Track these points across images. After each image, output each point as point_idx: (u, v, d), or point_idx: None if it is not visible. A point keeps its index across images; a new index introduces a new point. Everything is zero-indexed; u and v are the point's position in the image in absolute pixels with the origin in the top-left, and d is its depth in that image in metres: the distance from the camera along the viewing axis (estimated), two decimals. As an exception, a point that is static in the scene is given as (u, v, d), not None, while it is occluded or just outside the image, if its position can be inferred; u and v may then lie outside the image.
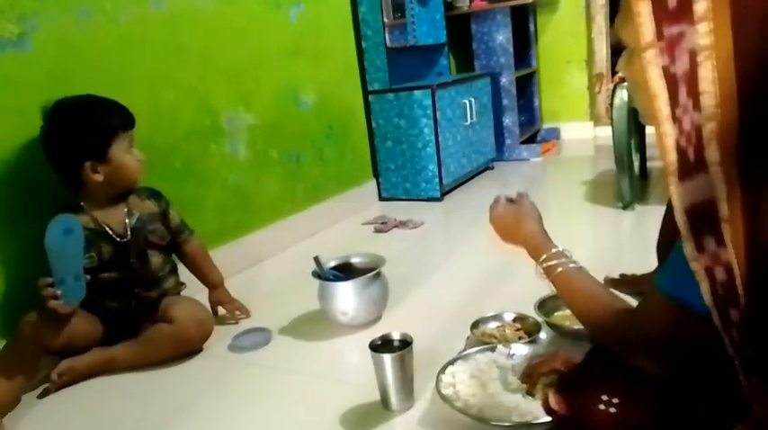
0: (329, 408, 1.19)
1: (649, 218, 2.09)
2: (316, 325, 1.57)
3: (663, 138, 0.59)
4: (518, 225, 1.12)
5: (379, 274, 1.54)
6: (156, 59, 1.81)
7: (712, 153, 0.55)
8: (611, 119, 2.30)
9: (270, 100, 2.25)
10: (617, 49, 3.74)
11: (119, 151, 1.44)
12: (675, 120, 0.57)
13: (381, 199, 2.88)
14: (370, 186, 2.85)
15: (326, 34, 2.54)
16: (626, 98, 2.23)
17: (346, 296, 1.50)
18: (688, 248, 0.59)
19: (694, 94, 0.55)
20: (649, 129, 2.78)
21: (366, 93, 2.77)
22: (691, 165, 0.57)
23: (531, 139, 3.65)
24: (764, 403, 0.59)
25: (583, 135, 3.80)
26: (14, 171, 1.47)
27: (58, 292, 1.31)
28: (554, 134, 3.82)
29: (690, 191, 0.57)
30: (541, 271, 1.02)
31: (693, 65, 0.55)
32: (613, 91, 2.31)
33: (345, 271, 1.59)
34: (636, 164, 2.46)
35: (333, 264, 1.60)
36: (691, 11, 0.55)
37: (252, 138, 2.17)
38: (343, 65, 2.66)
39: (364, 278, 1.50)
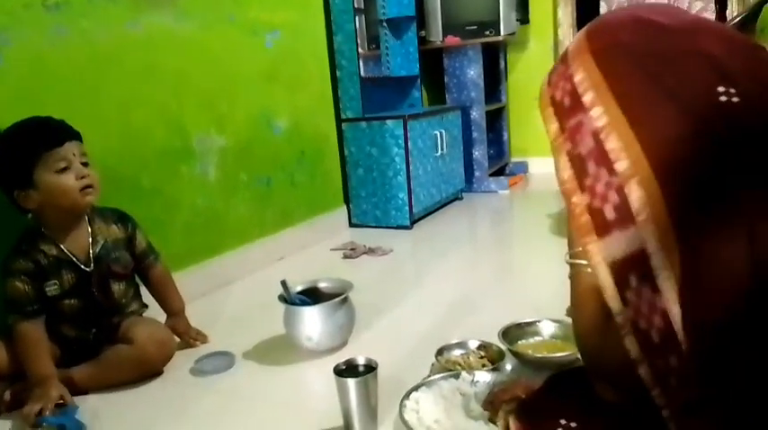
0: (291, 434, 1.18)
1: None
2: (280, 349, 1.56)
3: (573, 208, 0.64)
4: None
5: (345, 300, 1.54)
6: (129, 79, 1.82)
7: (640, 205, 0.57)
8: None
9: (242, 123, 2.26)
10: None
11: (44, 174, 1.32)
12: (584, 189, 0.63)
13: (351, 225, 2.89)
14: (341, 212, 2.87)
15: (302, 62, 2.58)
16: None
17: (312, 321, 1.50)
18: (613, 301, 0.61)
19: (606, 163, 0.60)
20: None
21: (339, 120, 2.80)
22: (610, 222, 0.60)
23: (499, 172, 3.73)
24: None
25: (550, 169, 3.86)
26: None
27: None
28: (522, 168, 3.91)
29: (611, 246, 0.60)
30: (568, 260, 1.03)
31: (598, 142, 0.61)
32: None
33: (312, 296, 1.59)
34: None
35: (300, 288, 1.60)
36: (581, 103, 0.64)
37: (222, 160, 2.17)
38: (318, 92, 2.70)
39: (331, 303, 1.50)
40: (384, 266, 2.28)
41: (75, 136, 1.40)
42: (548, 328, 1.48)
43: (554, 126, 0.68)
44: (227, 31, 2.18)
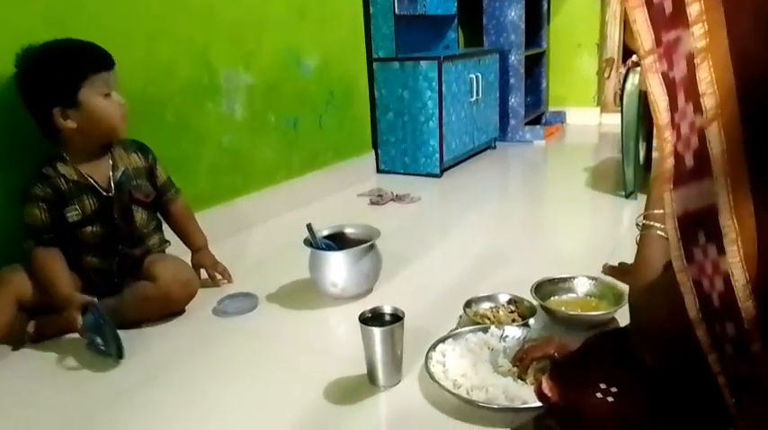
0: (313, 379, 1.15)
1: (651, 208, 2.04)
2: (304, 294, 1.53)
3: (662, 144, 0.56)
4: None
5: (372, 247, 1.49)
6: (155, 10, 1.73)
7: (718, 153, 0.51)
8: (621, 105, 2.24)
9: (270, 60, 2.17)
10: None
11: (90, 95, 1.32)
12: (674, 126, 0.55)
13: (379, 171, 2.82)
14: (369, 158, 2.79)
15: (334, -3, 2.46)
16: (637, 84, 2.17)
17: (338, 266, 1.45)
18: (675, 259, 0.56)
19: (694, 97, 0.52)
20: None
21: (370, 60, 2.69)
22: (688, 172, 0.54)
23: (535, 121, 3.59)
24: (757, 422, 0.55)
25: (588, 121, 3.74)
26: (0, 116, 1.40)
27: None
28: (559, 118, 3.76)
29: (685, 198, 0.54)
30: (639, 221, 0.98)
31: (691, 68, 0.53)
32: (625, 76, 2.25)
33: (338, 241, 1.54)
34: (642, 153, 2.40)
35: (326, 233, 1.55)
36: (685, 15, 0.53)
37: (249, 98, 2.10)
38: (349, 30, 2.58)
39: (357, 249, 1.45)
40: (411, 215, 2.22)
41: (114, 63, 1.39)
42: (582, 285, 1.41)
43: (647, 37, 0.57)
44: (257, -40, 2.07)
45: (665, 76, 0.56)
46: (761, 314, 0.52)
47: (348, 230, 1.58)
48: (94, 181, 1.39)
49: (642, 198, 2.17)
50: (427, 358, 1.13)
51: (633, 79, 2.18)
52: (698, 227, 0.54)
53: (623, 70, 2.37)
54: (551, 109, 3.78)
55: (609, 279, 1.44)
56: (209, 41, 1.92)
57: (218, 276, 1.62)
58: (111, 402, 1.14)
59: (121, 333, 1.37)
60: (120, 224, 1.43)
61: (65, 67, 1.31)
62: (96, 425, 1.08)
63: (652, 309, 0.72)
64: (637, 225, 0.96)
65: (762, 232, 0.50)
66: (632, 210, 2.13)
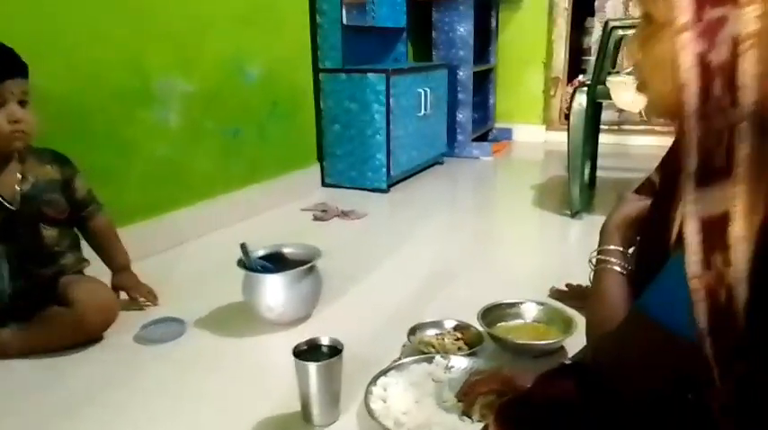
0: (243, 414, 1.05)
1: (597, 227, 2.03)
2: (238, 319, 1.42)
3: (686, 135, 0.49)
4: (614, 207, 0.99)
5: (312, 268, 1.40)
6: (87, 10, 1.60)
7: (742, 158, 0.46)
8: (568, 123, 2.23)
9: (211, 68, 2.06)
10: (576, 52, 3.72)
11: None
12: (704, 116, 0.48)
13: (324, 185, 2.73)
14: (314, 171, 2.70)
15: (280, 5, 2.36)
16: (584, 103, 2.17)
17: (274, 290, 1.35)
18: (693, 264, 0.50)
19: (732, 88, 0.46)
20: (603, 138, 2.75)
21: (317, 71, 2.60)
22: (714, 170, 0.48)
23: (482, 137, 3.58)
24: None
25: (534, 138, 3.76)
26: None
27: None
28: (506, 134, 3.77)
29: (709, 200, 0.49)
30: (593, 258, 0.92)
31: (734, 55, 0.46)
32: (572, 95, 2.25)
33: (276, 262, 1.44)
34: (587, 172, 2.41)
35: (262, 253, 1.45)
36: None
37: (187, 107, 1.97)
38: (295, 39, 2.49)
39: (295, 272, 1.36)
40: (357, 231, 2.14)
41: (20, 70, 1.23)
42: (530, 311, 1.36)
43: (687, 8, 0.49)
44: (198, -38, 1.96)
45: (700, 58, 0.48)
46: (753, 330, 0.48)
47: (287, 250, 1.48)
48: None
49: (588, 218, 2.18)
50: (367, 393, 1.04)
51: (580, 98, 2.17)
52: (719, 231, 0.49)
53: (570, 89, 2.38)
54: (498, 125, 3.79)
55: (557, 303, 1.41)
56: (144, 46, 1.80)
57: (142, 299, 1.49)
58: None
59: (30, 362, 1.23)
60: (25, 242, 1.29)
61: None
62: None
63: (623, 355, 0.66)
64: (590, 262, 0.92)
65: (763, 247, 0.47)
66: (578, 229, 2.12)
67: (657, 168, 0.93)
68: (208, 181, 2.10)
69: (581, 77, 2.39)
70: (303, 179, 2.61)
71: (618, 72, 2.13)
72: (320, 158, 2.72)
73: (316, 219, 2.23)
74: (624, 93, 1.92)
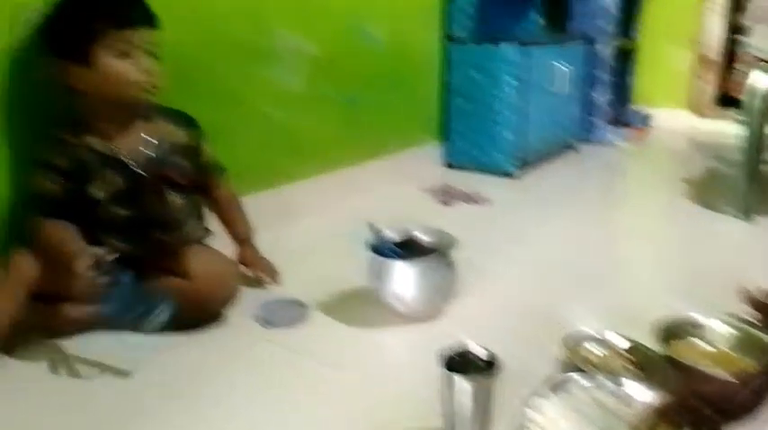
0: (366, 422, 0.91)
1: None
2: (362, 305, 1.27)
3: None
4: None
5: (447, 258, 1.22)
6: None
7: None
8: (732, 107, 1.89)
9: (333, 27, 1.90)
10: (736, 30, 3.25)
11: (106, 55, 1.09)
12: None
13: (445, 164, 2.53)
14: (434, 148, 2.51)
15: (413, -35, 2.18)
16: (766, 84, 1.82)
17: (405, 278, 1.19)
18: None
19: None
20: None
21: (445, 39, 2.40)
22: None
23: (619, 121, 3.23)
24: None
25: (678, 124, 3.35)
26: (27, 72, 1.18)
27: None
28: (645, 119, 3.38)
29: None
30: None
31: None
32: (746, 74, 1.90)
33: (405, 246, 1.29)
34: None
35: (391, 235, 1.29)
36: None
37: (306, 68, 1.83)
38: (425, 3, 2.29)
39: (429, 259, 1.19)
40: (483, 217, 1.94)
41: (151, 20, 1.15)
42: (718, 332, 1.09)
43: None
44: None
45: None
46: None
47: (417, 234, 1.32)
48: (124, 154, 1.16)
49: (764, 221, 1.84)
50: (522, 416, 0.86)
51: (760, 78, 1.83)
52: None
53: (744, 67, 2.02)
54: (637, 108, 3.41)
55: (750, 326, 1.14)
56: (269, 1, 1.68)
57: (263, 275, 1.38)
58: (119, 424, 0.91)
59: (142, 339, 1.15)
60: (149, 206, 1.20)
61: (81, 17, 1.08)
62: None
63: None
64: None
65: None
66: (751, 232, 1.79)
67: None
68: (323, 152, 1.97)
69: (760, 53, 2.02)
70: (424, 157, 2.43)
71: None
72: (442, 135, 2.53)
73: (438, 201, 2.05)
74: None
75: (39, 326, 1.13)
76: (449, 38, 2.39)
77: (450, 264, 1.24)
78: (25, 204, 1.15)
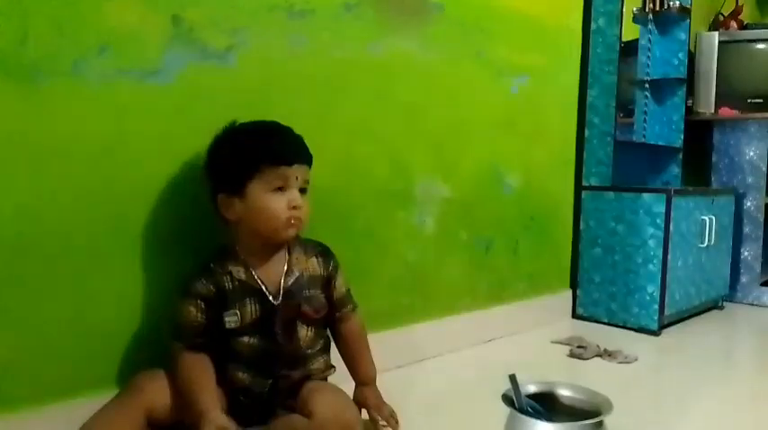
0: None
1: None
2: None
3: None
4: None
5: (601, 425, 1.06)
6: (360, 105, 1.60)
7: None
8: None
9: (470, 174, 1.93)
10: None
11: (259, 189, 1.13)
12: None
13: (575, 316, 2.37)
14: (564, 297, 2.37)
15: (546, 113, 2.21)
16: None
17: (549, 443, 1.04)
18: None
19: None
20: None
21: (579, 187, 2.35)
22: None
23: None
24: None
25: None
26: (187, 197, 1.27)
27: None
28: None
29: None
30: None
31: None
32: None
33: (545, 403, 1.14)
34: None
35: (531, 390, 1.16)
36: None
37: (443, 212, 1.84)
38: (559, 151, 2.29)
39: (582, 425, 1.03)
40: (626, 379, 1.72)
41: (307, 159, 1.21)
42: None
43: None
44: (471, 68, 1.90)
45: None
46: None
47: (562, 392, 1.17)
48: (263, 284, 1.17)
49: None
50: None
51: None
52: None
53: None
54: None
55: None
56: (410, 147, 1.74)
57: (383, 423, 1.27)
58: None
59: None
60: (281, 339, 1.18)
61: (242, 152, 1.14)
62: None
63: None
64: None
65: None
66: None
67: None
68: (453, 294, 1.91)
69: None
70: (552, 305, 2.29)
71: None
72: (573, 284, 2.39)
73: (572, 355, 1.87)
74: None
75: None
76: (585, 187, 2.33)
77: (601, 431, 1.07)
78: (168, 331, 1.17)
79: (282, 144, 1.17)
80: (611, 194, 2.26)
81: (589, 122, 2.31)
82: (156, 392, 1.09)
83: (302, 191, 1.18)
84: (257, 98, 1.36)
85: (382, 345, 1.51)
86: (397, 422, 1.28)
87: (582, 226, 2.35)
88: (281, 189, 1.15)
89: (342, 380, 1.28)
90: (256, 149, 1.14)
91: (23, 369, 1.08)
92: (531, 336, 2.08)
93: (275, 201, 1.14)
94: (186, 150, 1.25)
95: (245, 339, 1.16)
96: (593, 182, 2.31)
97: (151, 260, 1.22)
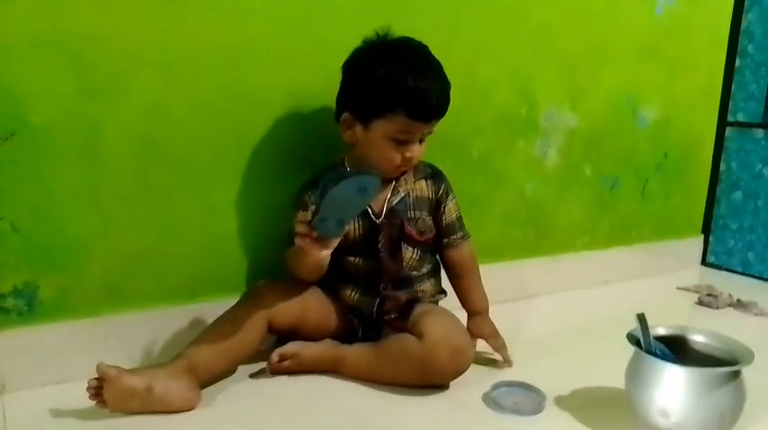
0: None
1: None
2: (609, 411, 1.06)
3: None
4: None
5: (737, 374, 0.96)
6: (486, 22, 1.49)
7: None
8: None
9: (601, 103, 1.78)
10: None
11: (383, 131, 1.09)
12: None
13: (705, 263, 2.18)
14: (694, 244, 2.18)
15: (692, 40, 1.97)
16: None
17: (676, 388, 0.96)
18: None
19: None
20: None
21: (723, 123, 2.11)
22: None
23: None
24: None
25: None
26: (307, 112, 1.26)
27: (314, 231, 0.97)
28: None
29: None
30: None
31: None
32: None
33: (675, 348, 1.06)
34: None
35: (660, 332, 1.07)
36: None
37: (567, 144, 1.72)
38: (704, 82, 2.05)
39: (716, 372, 0.94)
40: (762, 332, 1.57)
41: (443, 114, 1.14)
42: None
43: None
44: (611, -16, 1.72)
45: None
46: None
47: (695, 337, 1.08)
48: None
49: None
50: None
51: None
52: None
53: None
54: None
55: None
56: (537, 70, 1.62)
57: (499, 352, 1.25)
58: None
59: (369, 391, 1.09)
60: (384, 258, 1.17)
61: (382, 88, 1.07)
62: None
63: None
64: None
65: None
66: None
67: None
68: (570, 232, 1.81)
69: None
70: (680, 251, 2.12)
71: None
72: (706, 230, 2.19)
73: (701, 303, 1.73)
74: None
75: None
76: (730, 124, 2.09)
77: (739, 384, 0.98)
78: (281, 242, 1.19)
79: (428, 100, 1.08)
80: (759, 133, 2.01)
81: (742, 51, 2.04)
82: (277, 299, 1.12)
83: (421, 141, 1.14)
84: (382, 13, 1.30)
85: (489, 278, 1.46)
86: (509, 355, 1.25)
87: (722, 167, 2.12)
88: (405, 142, 1.11)
89: (451, 309, 1.26)
90: (399, 95, 1.07)
91: (149, 267, 1.15)
92: (654, 281, 1.94)
93: (393, 150, 1.11)
94: (310, 65, 1.23)
95: (352, 258, 1.16)
96: (741, 118, 2.06)
97: (270, 173, 1.24)
